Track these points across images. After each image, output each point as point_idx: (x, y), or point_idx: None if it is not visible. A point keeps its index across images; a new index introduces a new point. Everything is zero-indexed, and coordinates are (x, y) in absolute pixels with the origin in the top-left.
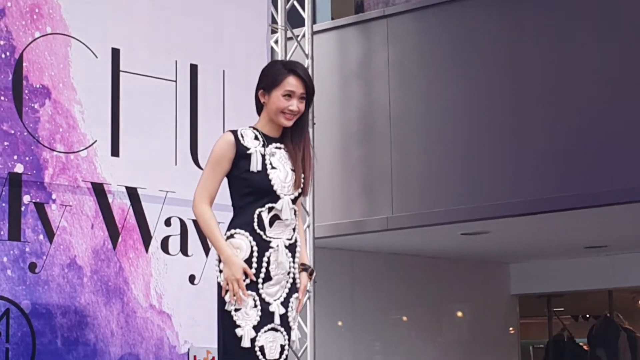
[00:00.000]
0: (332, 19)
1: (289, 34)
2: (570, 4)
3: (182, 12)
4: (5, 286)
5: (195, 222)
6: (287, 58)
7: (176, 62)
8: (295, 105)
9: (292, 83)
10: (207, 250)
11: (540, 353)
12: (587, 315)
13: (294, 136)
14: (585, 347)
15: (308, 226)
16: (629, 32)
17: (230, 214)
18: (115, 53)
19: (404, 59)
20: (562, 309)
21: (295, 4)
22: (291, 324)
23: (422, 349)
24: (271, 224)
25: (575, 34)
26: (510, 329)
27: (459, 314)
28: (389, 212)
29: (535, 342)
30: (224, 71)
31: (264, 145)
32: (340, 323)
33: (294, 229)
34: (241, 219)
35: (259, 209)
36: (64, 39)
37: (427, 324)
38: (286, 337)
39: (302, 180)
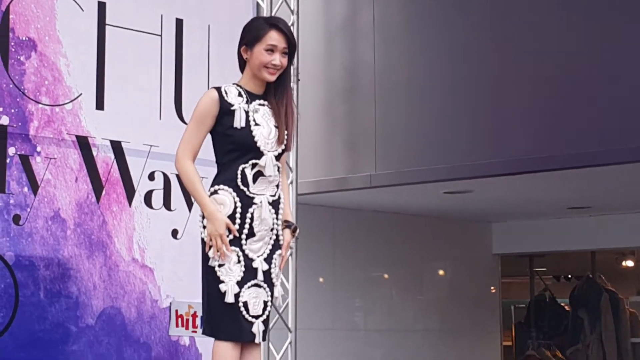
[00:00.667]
0: None
1: None
2: None
3: None
4: None
5: (179, 176)
6: (273, 14)
7: (162, 16)
8: (278, 59)
9: (274, 37)
10: (190, 205)
11: (521, 313)
12: (569, 276)
13: (276, 92)
14: (567, 308)
15: (291, 182)
16: None
17: (214, 170)
18: (102, 6)
19: (389, 16)
20: (544, 269)
21: None
22: (274, 280)
23: (403, 307)
24: (254, 180)
25: None
26: (492, 288)
27: (440, 272)
28: (372, 169)
29: (517, 302)
30: (209, 26)
31: (247, 102)
32: (321, 279)
33: (277, 186)
34: (225, 175)
35: (243, 165)
36: None
37: (407, 282)
38: (269, 293)
39: (285, 137)
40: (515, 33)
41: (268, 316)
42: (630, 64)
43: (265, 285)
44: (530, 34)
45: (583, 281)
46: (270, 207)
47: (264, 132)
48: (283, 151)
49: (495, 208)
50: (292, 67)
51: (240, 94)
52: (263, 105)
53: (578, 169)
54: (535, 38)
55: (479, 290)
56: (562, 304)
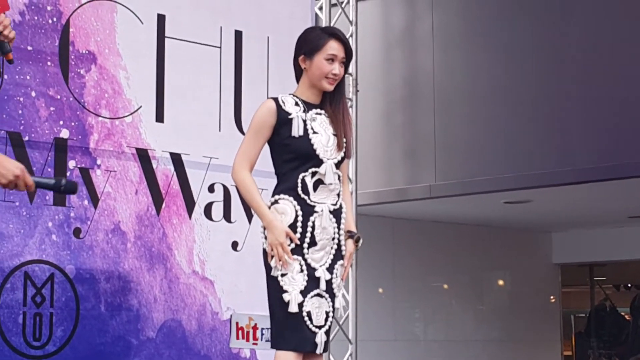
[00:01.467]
0: None
1: (334, 1)
2: None
3: None
4: (50, 251)
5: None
6: (332, 24)
7: (221, 28)
8: (338, 68)
9: (334, 47)
10: (250, 216)
11: (581, 322)
12: (629, 285)
13: (332, 101)
14: (627, 317)
15: (351, 193)
16: None
17: (273, 181)
18: (161, 19)
19: (448, 25)
20: (603, 278)
21: None
22: (335, 291)
23: (462, 317)
24: (315, 188)
25: (625, 2)
26: (552, 297)
27: (500, 282)
28: (432, 180)
29: (577, 312)
30: (268, 37)
31: (304, 111)
32: (380, 290)
33: (338, 195)
34: (285, 185)
35: (303, 174)
36: (110, 4)
37: (467, 292)
38: (330, 304)
39: (344, 144)
40: (579, 39)
41: (330, 327)
42: None
43: (327, 296)
44: (596, 42)
45: None
46: (332, 215)
47: (323, 139)
48: (343, 159)
49: (556, 217)
50: (351, 78)
51: (297, 104)
52: (320, 114)
53: (638, 178)
54: (599, 45)
55: (539, 300)
56: (623, 314)
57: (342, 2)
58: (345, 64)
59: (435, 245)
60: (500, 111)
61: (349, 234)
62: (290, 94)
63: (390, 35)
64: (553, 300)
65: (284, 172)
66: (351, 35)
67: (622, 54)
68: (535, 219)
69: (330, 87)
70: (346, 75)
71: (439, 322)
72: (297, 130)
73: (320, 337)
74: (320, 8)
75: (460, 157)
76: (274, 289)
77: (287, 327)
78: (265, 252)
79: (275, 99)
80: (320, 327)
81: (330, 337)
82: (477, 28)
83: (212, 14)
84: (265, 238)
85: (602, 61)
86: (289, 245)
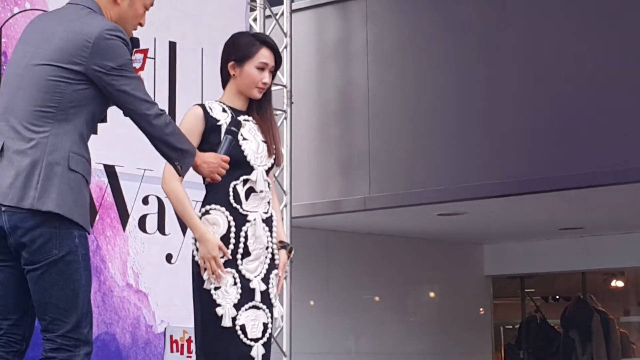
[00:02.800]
0: None
1: (268, 12)
2: None
3: None
4: None
5: None
6: None
7: (155, 39)
8: (267, 77)
9: (265, 55)
10: (184, 229)
11: (511, 334)
12: (557, 297)
13: (260, 108)
14: (558, 329)
15: (285, 205)
16: (614, 13)
17: (201, 192)
18: None
19: (382, 39)
20: (532, 290)
21: None
22: (273, 300)
23: (394, 329)
24: (247, 196)
25: (554, 13)
26: (481, 309)
27: (432, 294)
28: (367, 192)
29: (507, 323)
30: (202, 49)
31: (232, 117)
32: (312, 303)
33: (268, 202)
34: (216, 194)
35: (234, 182)
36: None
37: (400, 304)
38: (269, 314)
39: (274, 150)
40: (507, 55)
41: (269, 338)
42: (621, 85)
43: (264, 307)
44: (523, 56)
45: (574, 302)
46: (264, 224)
47: (253, 146)
48: (272, 165)
49: (488, 230)
50: (285, 90)
51: (224, 110)
52: (248, 120)
53: (570, 191)
54: (527, 60)
55: (470, 312)
56: (553, 325)
57: (276, 14)
58: (274, 72)
59: (368, 258)
60: (433, 124)
61: (282, 245)
62: (216, 101)
63: (325, 47)
64: (482, 312)
65: None
66: (285, 47)
67: (555, 66)
68: (467, 231)
69: (259, 95)
70: (280, 87)
71: (371, 335)
72: None
73: (257, 350)
74: (255, 19)
75: (395, 169)
76: (207, 303)
77: (221, 342)
78: (195, 264)
79: (202, 105)
80: (256, 340)
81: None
82: (410, 42)
83: (146, 25)
84: (197, 250)
85: (535, 73)
86: (222, 258)
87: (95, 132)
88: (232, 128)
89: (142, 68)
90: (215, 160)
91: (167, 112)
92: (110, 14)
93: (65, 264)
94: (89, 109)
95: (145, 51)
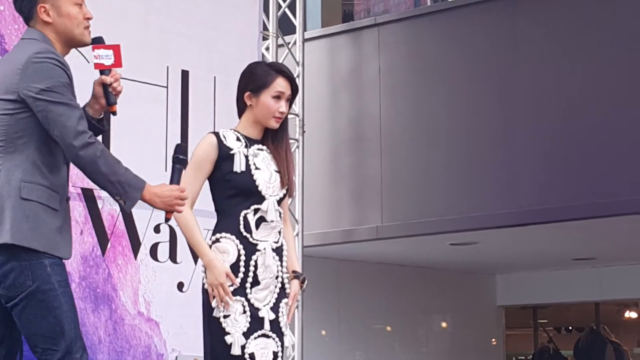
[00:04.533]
0: (322, 27)
1: (280, 41)
2: (561, 12)
3: (175, 18)
4: None
5: None
6: None
7: (168, 67)
8: (284, 106)
9: (281, 84)
10: (195, 257)
11: None
12: (570, 328)
13: (275, 138)
14: None
15: (297, 234)
16: (624, 41)
17: (212, 220)
18: None
19: (394, 67)
20: (545, 320)
21: (287, 11)
22: (283, 329)
23: (406, 359)
24: (257, 226)
25: (566, 42)
26: (493, 340)
27: (444, 324)
28: (379, 221)
29: (520, 354)
30: (215, 77)
31: (246, 146)
32: (323, 332)
33: (279, 232)
34: (226, 222)
35: (245, 211)
36: None
37: (411, 334)
38: (279, 343)
39: (287, 181)
40: (523, 84)
41: None
42: (636, 114)
43: (274, 335)
44: (536, 85)
45: (587, 333)
46: (274, 253)
47: (265, 176)
48: (285, 196)
49: (500, 259)
50: (297, 118)
51: (238, 139)
52: (262, 150)
53: (583, 220)
54: (540, 89)
55: (482, 343)
56: (566, 356)
57: (288, 43)
58: (290, 101)
59: (380, 287)
60: (446, 153)
61: (295, 275)
62: (231, 129)
63: (337, 76)
64: (494, 343)
65: (225, 209)
66: (298, 76)
67: (568, 96)
68: (479, 261)
69: (276, 125)
70: (292, 116)
71: None
72: (239, 166)
73: None
74: (267, 48)
75: (407, 198)
76: (216, 331)
77: None
78: (205, 292)
79: (216, 134)
80: None
81: None
82: (423, 70)
83: (159, 54)
84: (206, 277)
85: (550, 103)
86: (230, 286)
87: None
88: (180, 156)
89: (117, 64)
90: (170, 193)
91: (98, 145)
92: (51, 35)
93: (42, 293)
94: (39, 136)
95: (114, 47)
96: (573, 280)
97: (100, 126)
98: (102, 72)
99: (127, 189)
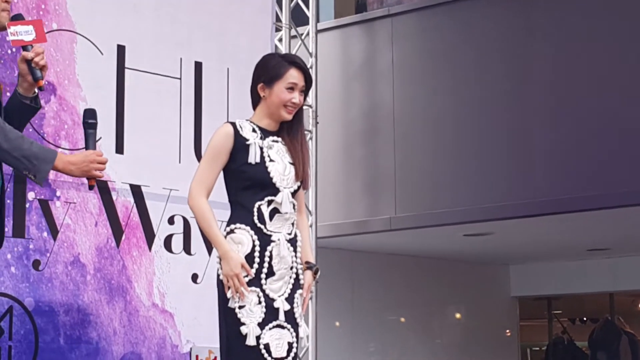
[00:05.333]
0: (335, 18)
1: (293, 32)
2: (575, 3)
3: (188, 9)
4: (9, 283)
5: None
6: None
7: (181, 59)
8: (297, 97)
9: (294, 75)
10: (210, 249)
11: (538, 356)
12: (584, 318)
13: (290, 129)
14: (585, 351)
15: (310, 225)
16: (637, 31)
17: (227, 212)
18: (121, 50)
19: (407, 58)
20: (559, 311)
21: (300, 2)
22: (298, 320)
23: (419, 350)
24: (271, 217)
25: (583, 32)
26: (507, 331)
27: (458, 315)
28: (392, 212)
29: (535, 345)
30: (228, 69)
31: (261, 138)
32: (337, 324)
33: (292, 224)
34: (240, 214)
35: (259, 202)
36: (70, 35)
37: (425, 325)
38: (294, 334)
39: (302, 173)
40: (538, 74)
41: (295, 357)
42: None
43: (289, 326)
44: (550, 75)
45: (601, 324)
46: (289, 244)
47: (279, 168)
48: (299, 188)
49: (514, 250)
50: (310, 110)
51: (254, 130)
52: (277, 141)
53: (598, 211)
54: (554, 78)
55: (497, 334)
56: (581, 347)
57: (301, 34)
58: (305, 92)
59: (393, 279)
60: (460, 144)
61: (308, 265)
62: (247, 120)
63: (350, 67)
64: (508, 334)
65: (239, 201)
66: (311, 67)
67: (583, 86)
68: (494, 252)
69: (289, 117)
70: (306, 107)
71: (396, 357)
72: (254, 157)
73: None
74: (280, 40)
75: (421, 189)
76: (231, 321)
77: None
78: (220, 282)
79: (233, 124)
80: (281, 359)
81: None
82: (436, 61)
83: (172, 45)
84: (221, 268)
85: (562, 92)
86: (245, 276)
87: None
88: (90, 121)
89: (40, 39)
90: (84, 158)
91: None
92: None
93: None
94: None
95: (35, 22)
96: (587, 271)
97: (33, 104)
98: (24, 49)
99: (34, 162)
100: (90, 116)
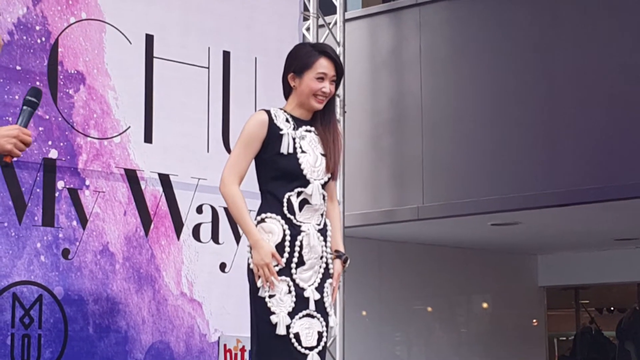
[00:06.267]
0: (363, 7)
1: (321, 22)
2: None
3: None
4: (39, 272)
5: (227, 209)
6: None
7: (209, 48)
8: (328, 87)
9: (324, 65)
10: (238, 238)
11: (565, 345)
12: (612, 308)
13: (323, 120)
14: (613, 340)
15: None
16: None
17: (256, 202)
18: (149, 39)
19: (435, 47)
20: (587, 301)
21: None
22: (328, 309)
23: (446, 339)
24: (300, 208)
25: (608, 22)
26: (534, 320)
27: (485, 305)
28: (420, 201)
29: (562, 335)
30: (256, 58)
31: (294, 128)
32: (364, 313)
33: (322, 215)
34: (271, 204)
35: (289, 193)
36: (99, 24)
37: (452, 314)
38: (323, 323)
39: (332, 165)
40: (565, 64)
41: (324, 347)
42: None
43: (318, 315)
44: (582, 65)
45: (630, 313)
46: (319, 234)
47: (310, 159)
48: (329, 179)
49: (542, 240)
50: (338, 99)
51: (287, 120)
52: (310, 131)
53: (626, 200)
54: (584, 68)
55: (524, 323)
56: (608, 337)
57: (329, 23)
58: (337, 82)
59: (420, 268)
60: (487, 133)
61: (337, 254)
62: (281, 109)
63: (378, 56)
64: (535, 323)
65: (269, 190)
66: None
67: (610, 76)
68: (521, 242)
69: (319, 106)
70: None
71: (423, 345)
72: (286, 148)
73: (312, 358)
74: (308, 29)
75: (448, 179)
76: (261, 311)
77: (275, 349)
78: (251, 271)
79: (268, 112)
80: (311, 348)
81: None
82: (464, 50)
83: (200, 35)
84: (252, 257)
85: (592, 83)
86: (276, 266)
87: None
88: (32, 99)
89: None
90: (6, 132)
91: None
92: None
93: None
94: None
95: None
96: (615, 260)
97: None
98: None
99: None
100: (33, 94)
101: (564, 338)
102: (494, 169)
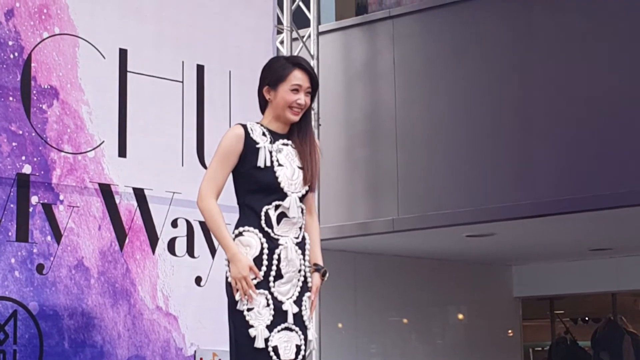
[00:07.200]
0: (336, 20)
1: (295, 35)
2: (576, 4)
3: (189, 12)
4: (13, 287)
5: (202, 223)
6: None
7: (183, 62)
8: (303, 98)
9: (298, 77)
10: (213, 252)
11: (541, 356)
12: (587, 318)
13: (300, 132)
14: (588, 350)
15: None
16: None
17: (234, 215)
18: (123, 53)
19: (409, 59)
20: (562, 311)
21: (301, 4)
22: (306, 323)
23: (422, 351)
24: (278, 221)
25: (582, 34)
26: (509, 331)
27: (461, 316)
28: (395, 213)
29: (538, 345)
30: (230, 71)
31: (271, 142)
32: (340, 325)
33: (300, 228)
34: (248, 217)
35: (266, 207)
36: (72, 39)
37: (428, 326)
38: (302, 336)
39: (310, 177)
40: (539, 75)
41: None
42: None
43: (297, 329)
44: (553, 76)
45: (604, 323)
46: (297, 247)
47: (288, 172)
48: (307, 192)
49: (517, 251)
50: (312, 112)
51: (264, 134)
52: (287, 145)
53: (600, 211)
54: (557, 80)
55: (499, 334)
56: (583, 347)
57: (303, 36)
58: (312, 94)
59: (396, 280)
60: (461, 145)
61: (316, 267)
62: (257, 123)
63: (352, 69)
64: (511, 334)
65: (247, 204)
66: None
67: (582, 88)
68: (496, 253)
69: (295, 118)
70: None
71: (399, 357)
72: (263, 161)
73: None
74: (282, 42)
75: (423, 190)
76: (240, 324)
77: None
78: (229, 285)
79: (244, 126)
80: None
81: None
82: (437, 63)
83: (174, 49)
84: (230, 270)
85: (563, 96)
86: (254, 279)
87: None
88: None
89: None
90: None
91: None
92: None
93: None
94: None
95: None
96: (590, 270)
97: None
98: None
99: None
100: None
101: (540, 348)
102: (469, 181)
